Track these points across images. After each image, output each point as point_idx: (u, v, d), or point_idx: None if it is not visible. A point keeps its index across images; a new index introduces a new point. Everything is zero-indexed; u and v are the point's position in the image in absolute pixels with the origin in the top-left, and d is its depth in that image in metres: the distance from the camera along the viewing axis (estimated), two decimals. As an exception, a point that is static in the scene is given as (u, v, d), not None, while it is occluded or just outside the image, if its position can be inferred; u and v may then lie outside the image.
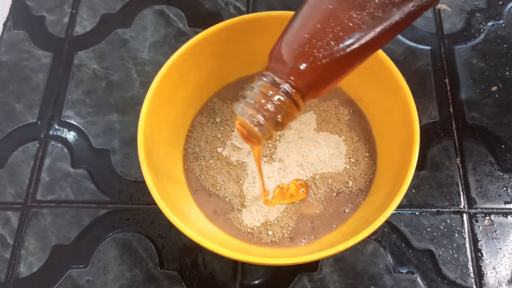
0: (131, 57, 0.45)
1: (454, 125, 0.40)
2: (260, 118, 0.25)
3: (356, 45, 0.23)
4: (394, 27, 0.23)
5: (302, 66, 0.24)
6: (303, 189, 0.35)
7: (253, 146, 0.29)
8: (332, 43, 0.23)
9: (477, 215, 0.37)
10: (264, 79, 0.25)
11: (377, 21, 0.23)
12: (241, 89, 0.26)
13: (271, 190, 0.36)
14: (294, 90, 0.25)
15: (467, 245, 0.36)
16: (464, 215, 0.37)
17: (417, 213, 0.37)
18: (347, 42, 0.23)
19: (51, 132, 0.42)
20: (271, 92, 0.25)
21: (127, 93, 0.43)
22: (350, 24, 0.23)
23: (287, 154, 0.37)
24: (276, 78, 0.25)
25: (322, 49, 0.23)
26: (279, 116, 0.25)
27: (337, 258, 0.36)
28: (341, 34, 0.23)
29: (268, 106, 0.25)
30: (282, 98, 0.25)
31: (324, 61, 0.23)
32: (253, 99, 0.25)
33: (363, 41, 0.23)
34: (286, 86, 0.25)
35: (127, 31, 0.46)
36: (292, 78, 0.24)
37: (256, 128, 0.25)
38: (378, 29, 0.23)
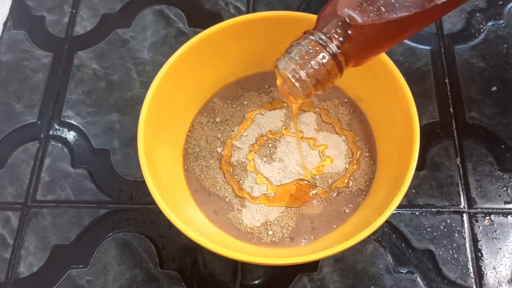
0: (131, 57, 0.45)
1: (454, 125, 0.40)
2: (302, 74, 0.25)
3: (405, 13, 0.23)
4: (446, 4, 0.24)
5: (350, 29, 0.24)
6: (317, 190, 0.35)
7: (291, 103, 0.29)
8: (382, 9, 0.24)
9: (477, 215, 0.37)
10: (311, 37, 0.25)
11: None
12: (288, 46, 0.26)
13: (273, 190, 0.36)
14: (339, 51, 0.25)
15: (467, 245, 0.36)
16: (464, 215, 0.37)
17: (417, 213, 0.37)
18: (398, 10, 0.23)
19: (51, 132, 0.42)
20: (317, 49, 0.25)
21: (127, 93, 0.43)
22: None
23: (287, 154, 0.37)
24: (323, 37, 0.25)
25: (372, 13, 0.24)
26: (321, 75, 0.26)
27: (337, 258, 0.36)
28: (393, 1, 0.24)
29: (312, 63, 0.25)
30: (326, 57, 0.25)
31: (372, 26, 0.24)
32: (298, 54, 0.25)
33: (412, 11, 0.23)
34: (332, 46, 0.25)
35: (127, 31, 0.46)
36: (339, 39, 0.25)
37: (297, 84, 0.26)
38: (430, 2, 0.23)
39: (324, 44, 0.25)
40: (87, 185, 0.39)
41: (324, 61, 0.25)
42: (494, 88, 0.42)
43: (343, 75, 0.27)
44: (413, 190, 0.38)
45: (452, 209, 0.37)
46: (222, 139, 0.38)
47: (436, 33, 0.44)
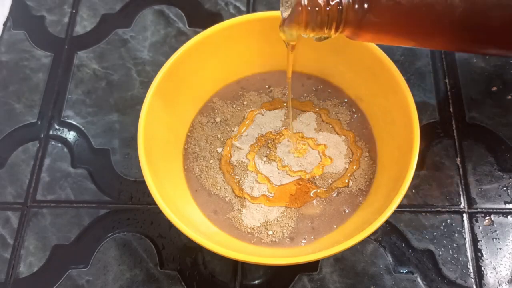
0: (131, 57, 0.45)
1: (454, 125, 0.40)
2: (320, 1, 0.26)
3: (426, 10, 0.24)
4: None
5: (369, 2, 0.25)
6: (317, 190, 0.35)
7: (288, 39, 0.29)
8: None
9: (477, 215, 0.37)
10: None
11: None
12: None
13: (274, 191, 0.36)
14: (351, 5, 0.25)
15: (467, 245, 0.36)
16: (464, 215, 0.37)
17: (417, 213, 0.37)
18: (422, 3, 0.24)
19: (51, 132, 0.42)
20: None
21: (127, 93, 0.43)
22: None
23: (287, 154, 0.37)
24: None
25: None
26: (326, 13, 0.26)
27: (337, 258, 0.36)
28: None
29: None
30: (337, 3, 0.25)
31: (388, 8, 0.24)
32: None
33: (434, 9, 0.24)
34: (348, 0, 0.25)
35: (127, 31, 0.46)
36: (356, 1, 0.25)
37: (309, 7, 0.26)
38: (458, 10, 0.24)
39: None
40: (87, 185, 0.39)
41: (332, 3, 0.25)
42: (494, 88, 0.42)
43: (338, 34, 0.27)
44: (413, 190, 0.38)
45: (452, 209, 0.37)
46: (222, 139, 0.38)
47: (436, 33, 0.44)
